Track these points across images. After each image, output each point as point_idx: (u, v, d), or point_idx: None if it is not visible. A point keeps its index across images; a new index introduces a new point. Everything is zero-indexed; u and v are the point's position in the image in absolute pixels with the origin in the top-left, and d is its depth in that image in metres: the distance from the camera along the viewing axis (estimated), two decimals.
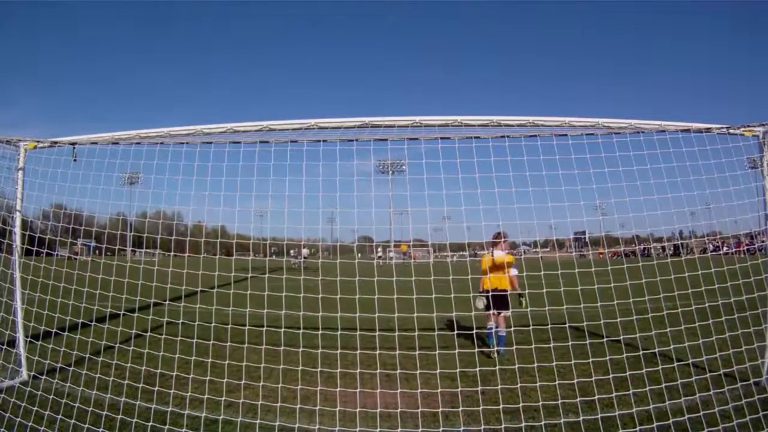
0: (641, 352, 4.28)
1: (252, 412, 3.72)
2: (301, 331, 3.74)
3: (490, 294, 5.83)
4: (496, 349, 5.53)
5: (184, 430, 3.41)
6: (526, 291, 5.85)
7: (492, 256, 6.03)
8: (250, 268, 4.01)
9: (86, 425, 3.44)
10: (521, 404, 3.61)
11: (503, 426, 3.43)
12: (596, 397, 3.43)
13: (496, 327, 5.86)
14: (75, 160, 4.47)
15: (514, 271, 5.92)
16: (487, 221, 3.84)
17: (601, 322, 3.72)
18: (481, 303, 5.92)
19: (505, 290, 5.90)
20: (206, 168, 4.03)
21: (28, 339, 4.73)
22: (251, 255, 4.54)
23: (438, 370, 3.69)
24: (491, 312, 5.95)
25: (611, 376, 3.67)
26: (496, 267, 5.93)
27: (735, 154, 4.08)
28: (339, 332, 3.71)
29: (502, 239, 6.08)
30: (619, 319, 3.83)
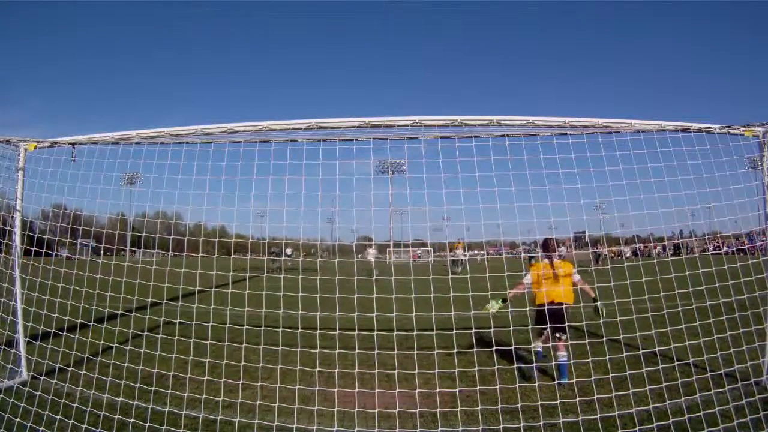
0: (641, 352, 4.27)
1: (251, 412, 3.72)
2: (300, 330, 3.74)
3: (546, 309, 4.38)
4: (556, 382, 4.61)
5: (182, 430, 3.41)
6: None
7: (550, 262, 4.98)
8: (249, 268, 4.02)
9: (85, 425, 3.44)
10: (520, 404, 3.60)
11: (502, 426, 3.42)
12: (596, 396, 3.42)
13: (556, 352, 4.83)
14: (74, 161, 4.47)
15: (577, 277, 4.96)
16: (487, 221, 3.83)
17: (601, 321, 3.71)
18: (497, 305, 4.83)
19: (563, 304, 4.80)
20: (206, 168, 4.04)
21: (28, 339, 4.73)
22: (250, 255, 4.54)
23: (437, 370, 3.69)
24: (544, 331, 4.90)
25: (611, 375, 3.65)
26: (556, 277, 4.88)
27: (735, 154, 4.08)
28: (337, 332, 3.70)
29: (554, 246, 5.02)
30: (618, 319, 3.82)
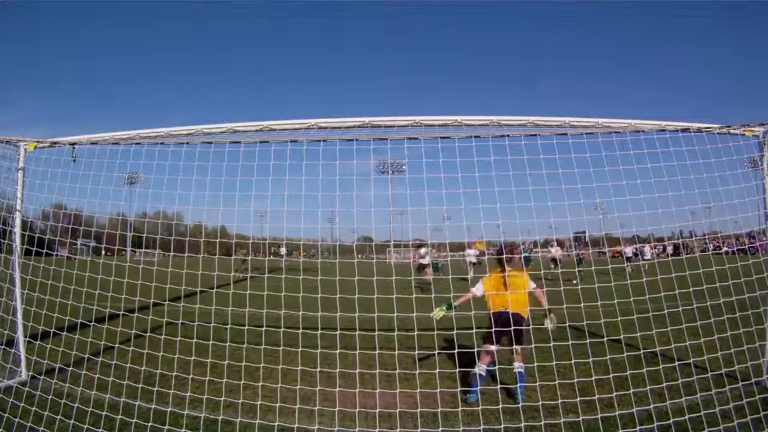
0: (641, 352, 4.27)
1: (252, 412, 3.72)
2: (301, 330, 3.74)
3: (493, 318, 4.21)
4: (516, 386, 4.16)
5: (183, 430, 3.41)
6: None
7: (502, 273, 4.49)
8: (250, 268, 4.02)
9: (86, 425, 3.44)
10: (521, 404, 3.61)
11: (503, 426, 3.42)
12: (596, 396, 3.42)
13: (514, 362, 4.32)
14: (74, 161, 4.47)
15: (533, 285, 4.46)
16: (486, 221, 3.83)
17: (602, 321, 3.71)
18: (441, 312, 4.51)
19: (520, 314, 4.27)
20: (206, 168, 4.04)
21: (28, 339, 4.73)
22: (251, 255, 4.55)
23: (437, 370, 3.69)
24: (490, 348, 4.31)
25: (611, 376, 3.66)
26: (507, 290, 4.38)
27: (735, 154, 4.08)
28: (338, 332, 3.70)
29: (515, 254, 4.56)
30: (619, 319, 3.82)
